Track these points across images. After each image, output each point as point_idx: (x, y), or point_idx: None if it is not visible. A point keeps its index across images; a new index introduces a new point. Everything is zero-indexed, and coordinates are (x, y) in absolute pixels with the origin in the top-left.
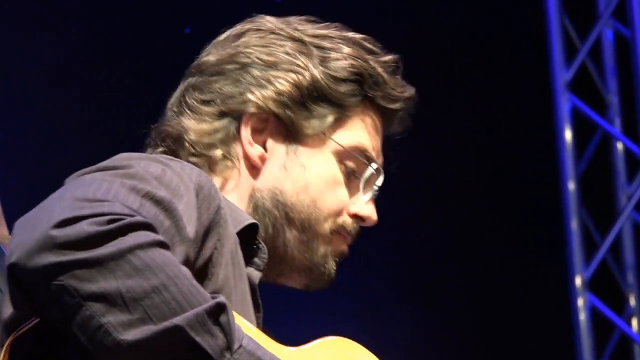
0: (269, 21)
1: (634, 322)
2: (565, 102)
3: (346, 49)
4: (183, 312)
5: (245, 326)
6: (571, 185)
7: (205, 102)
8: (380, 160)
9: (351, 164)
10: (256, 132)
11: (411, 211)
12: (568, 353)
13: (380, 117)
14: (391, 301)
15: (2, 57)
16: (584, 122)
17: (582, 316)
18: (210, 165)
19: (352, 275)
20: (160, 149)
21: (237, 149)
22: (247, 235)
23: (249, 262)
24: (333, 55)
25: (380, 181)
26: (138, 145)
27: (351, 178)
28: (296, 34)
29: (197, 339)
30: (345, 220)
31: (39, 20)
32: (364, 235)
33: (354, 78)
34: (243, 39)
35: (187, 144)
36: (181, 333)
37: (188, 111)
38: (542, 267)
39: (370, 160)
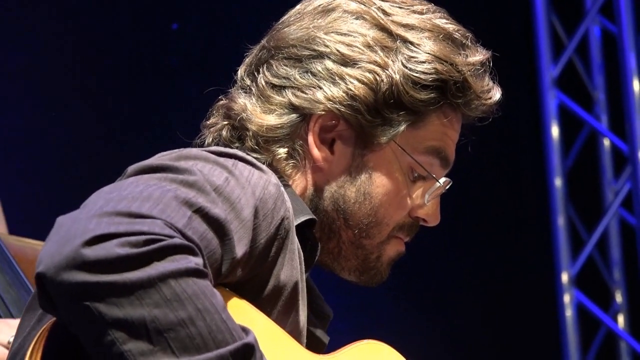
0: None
1: (620, 318)
2: (552, 99)
3: (433, 47)
4: (207, 349)
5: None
6: (558, 182)
7: (276, 88)
8: (452, 157)
9: (419, 169)
10: (324, 130)
11: None
12: (554, 349)
13: (459, 114)
14: (381, 298)
15: None
16: (570, 118)
17: (569, 312)
18: (273, 162)
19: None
20: (223, 124)
21: (302, 148)
22: (301, 230)
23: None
24: (418, 54)
25: (448, 185)
26: (127, 141)
27: (418, 180)
28: (383, 21)
29: None
30: (406, 222)
31: (25, 17)
32: None
33: (436, 85)
34: (327, 19)
35: (249, 134)
36: None
37: (256, 92)
38: (528, 264)
39: (441, 166)
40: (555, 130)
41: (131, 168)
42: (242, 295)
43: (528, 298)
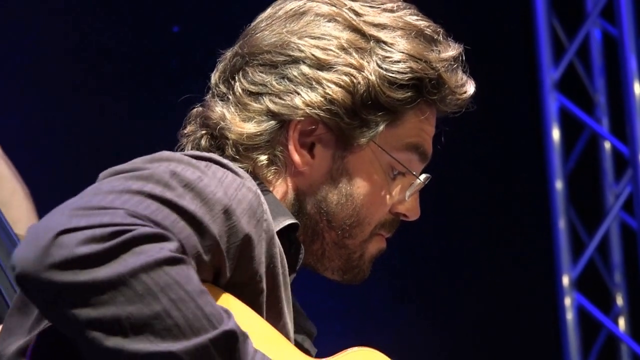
0: (328, 1)
1: (621, 321)
2: (553, 102)
3: (406, 45)
4: (186, 338)
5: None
6: (559, 185)
7: (253, 96)
8: (430, 151)
9: (399, 167)
10: (304, 134)
11: None
12: (555, 352)
13: (434, 109)
14: (379, 302)
15: None
16: (571, 121)
17: (570, 315)
18: (255, 169)
19: None
20: (202, 133)
21: (282, 154)
22: (286, 234)
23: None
24: (392, 54)
25: (427, 180)
26: (127, 143)
27: (397, 177)
28: (355, 22)
29: None
30: (387, 219)
31: (25, 18)
32: None
33: (412, 83)
34: (300, 23)
35: (229, 142)
36: None
37: (233, 100)
38: (529, 266)
39: (419, 161)
40: (556, 133)
41: (102, 173)
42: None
43: (529, 301)
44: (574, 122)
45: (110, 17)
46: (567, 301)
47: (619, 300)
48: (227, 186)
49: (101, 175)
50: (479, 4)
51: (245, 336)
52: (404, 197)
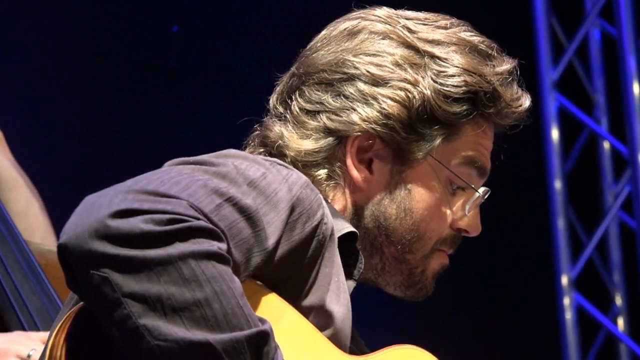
0: (382, 19)
1: (620, 321)
2: (552, 101)
3: (461, 60)
4: (221, 331)
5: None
6: (558, 184)
7: (310, 114)
8: (488, 166)
9: (457, 181)
10: (362, 151)
11: None
12: (554, 352)
13: (491, 123)
14: (379, 299)
15: None
16: (570, 121)
17: (568, 315)
18: (313, 183)
19: None
20: (259, 151)
21: (341, 169)
22: (345, 243)
23: (345, 271)
24: (446, 68)
25: (487, 194)
26: (126, 142)
27: (457, 192)
28: (409, 39)
29: None
30: (448, 235)
31: (24, 18)
32: None
33: (467, 97)
34: (355, 41)
35: (287, 160)
36: (214, 353)
37: (291, 119)
38: (528, 266)
39: (478, 176)
40: (555, 133)
41: (168, 162)
42: (281, 295)
43: (528, 301)
44: (573, 122)
45: (109, 16)
46: (566, 301)
47: (618, 300)
48: (292, 183)
49: (167, 164)
50: (478, 3)
51: (277, 346)
52: (465, 212)
